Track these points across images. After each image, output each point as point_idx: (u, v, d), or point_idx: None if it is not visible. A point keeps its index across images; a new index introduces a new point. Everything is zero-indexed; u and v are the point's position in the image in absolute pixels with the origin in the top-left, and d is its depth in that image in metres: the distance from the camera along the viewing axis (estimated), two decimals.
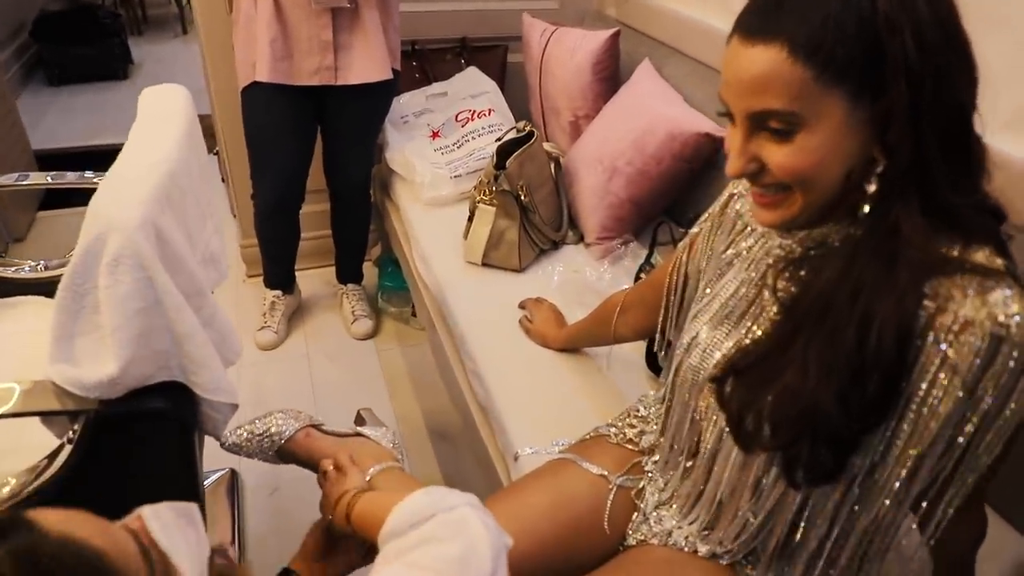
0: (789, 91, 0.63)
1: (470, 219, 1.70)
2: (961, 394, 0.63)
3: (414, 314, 2.25)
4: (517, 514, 0.93)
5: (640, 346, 1.39)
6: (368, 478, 0.93)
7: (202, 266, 0.97)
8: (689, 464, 0.91)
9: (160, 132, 0.99)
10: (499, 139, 1.75)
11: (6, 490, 0.89)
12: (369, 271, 2.41)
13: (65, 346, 0.86)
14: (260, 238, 2.10)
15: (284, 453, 1.04)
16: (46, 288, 1.39)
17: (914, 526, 0.77)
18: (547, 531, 0.92)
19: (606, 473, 0.99)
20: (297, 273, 2.27)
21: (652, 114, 1.66)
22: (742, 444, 0.75)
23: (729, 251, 0.88)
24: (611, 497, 0.97)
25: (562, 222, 1.78)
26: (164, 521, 0.64)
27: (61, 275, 1.36)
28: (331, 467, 0.94)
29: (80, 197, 3.15)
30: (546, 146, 1.81)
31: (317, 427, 1.06)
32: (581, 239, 1.79)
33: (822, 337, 0.67)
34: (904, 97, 0.61)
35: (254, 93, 1.80)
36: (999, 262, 0.65)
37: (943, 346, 0.63)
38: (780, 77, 0.63)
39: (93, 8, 4.59)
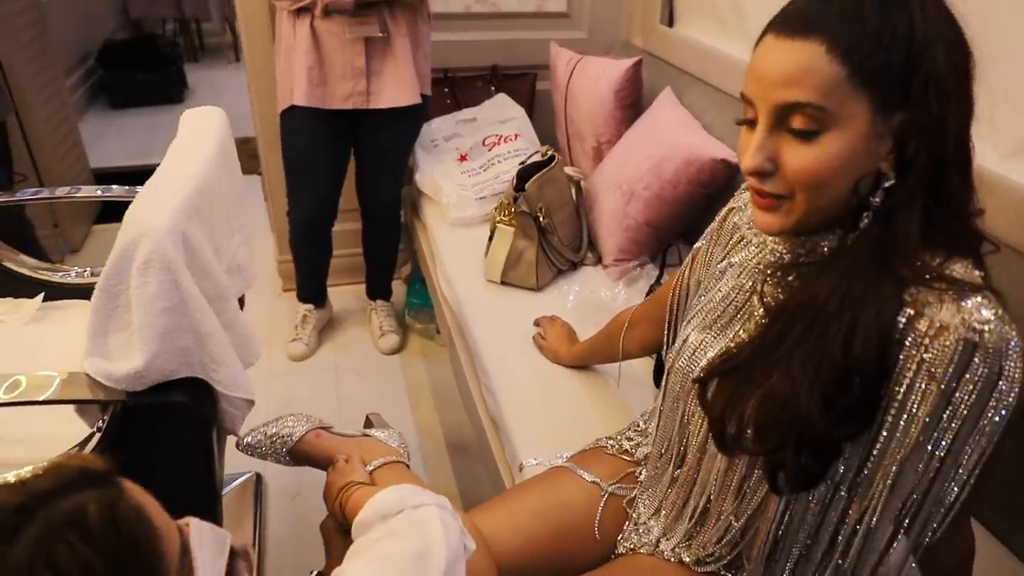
0: (822, 85, 0.64)
1: (490, 239, 1.76)
2: (937, 398, 0.65)
3: (439, 331, 2.32)
4: (511, 513, 0.98)
5: (649, 363, 1.42)
6: (371, 470, 0.98)
7: (228, 275, 1.05)
8: (677, 473, 0.94)
9: (194, 150, 1.08)
10: (522, 163, 1.82)
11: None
12: (398, 289, 2.49)
13: (99, 342, 0.94)
14: (294, 254, 2.20)
15: (296, 454, 1.10)
16: (88, 292, 1.50)
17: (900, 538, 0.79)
18: (539, 531, 0.96)
19: (599, 481, 1.03)
20: (329, 289, 2.36)
21: (671, 140, 1.70)
22: (722, 447, 0.77)
23: (724, 262, 0.91)
24: (602, 504, 1.01)
25: (582, 243, 1.83)
26: (203, 537, 0.69)
27: None
28: (343, 460, 1.00)
29: None
30: (568, 170, 1.87)
31: (326, 429, 1.12)
32: (599, 260, 1.83)
33: (809, 344, 0.69)
34: (933, 112, 0.64)
35: (292, 116, 1.90)
36: (976, 274, 0.68)
37: (920, 350, 0.65)
38: (816, 71, 0.64)
39: (154, 37, 4.87)
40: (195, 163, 1.04)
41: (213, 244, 1.01)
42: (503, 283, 1.74)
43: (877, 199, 0.68)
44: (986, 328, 0.63)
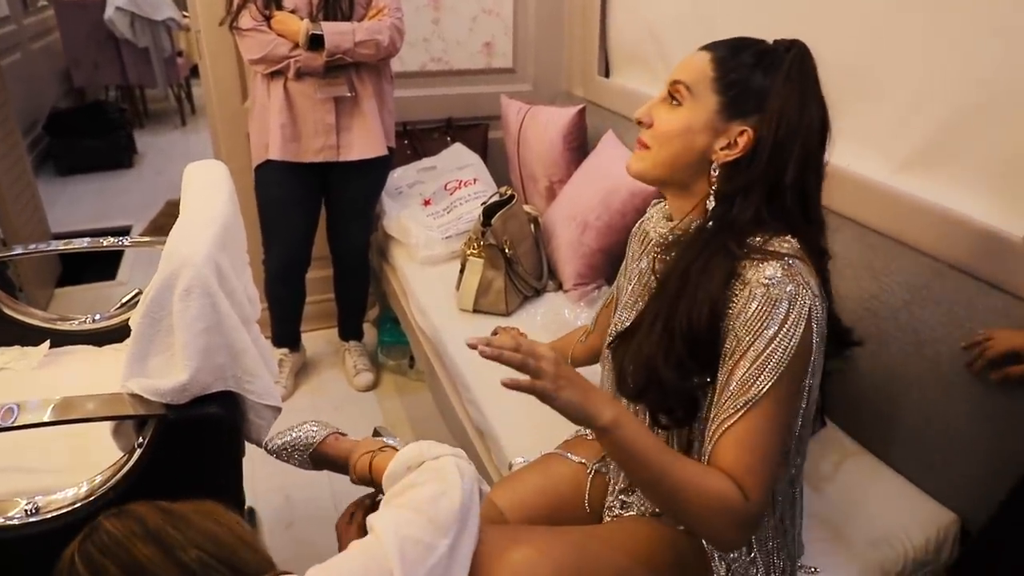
0: (696, 75, 0.94)
1: (461, 271, 1.93)
2: (753, 334, 0.86)
3: (411, 366, 2.45)
4: (515, 492, 1.13)
5: None
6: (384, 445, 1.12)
7: (248, 302, 1.18)
8: None
9: (211, 195, 1.23)
10: (484, 203, 2.01)
11: (84, 488, 1.08)
12: (368, 331, 2.61)
13: (140, 365, 1.06)
14: (270, 299, 2.31)
15: (317, 458, 1.21)
16: (93, 338, 1.59)
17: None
18: (537, 504, 1.11)
19: (584, 461, 1.19)
20: (302, 334, 2.47)
21: (616, 175, 1.92)
22: (624, 394, 0.98)
23: (640, 258, 1.11)
24: (589, 480, 1.17)
25: (543, 272, 2.01)
26: None
27: (107, 327, 1.56)
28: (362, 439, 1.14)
29: (91, 275, 3.34)
30: (526, 208, 2.07)
31: (342, 435, 1.24)
32: (560, 286, 2.01)
33: (666, 316, 0.92)
34: (776, 141, 0.89)
35: (267, 170, 2.05)
36: (786, 247, 0.89)
37: (737, 307, 0.87)
38: (700, 66, 0.95)
39: (101, 104, 4.93)
40: (215, 206, 1.18)
41: (236, 274, 1.15)
42: (475, 311, 1.90)
43: (714, 184, 0.94)
44: (771, 282, 0.86)
